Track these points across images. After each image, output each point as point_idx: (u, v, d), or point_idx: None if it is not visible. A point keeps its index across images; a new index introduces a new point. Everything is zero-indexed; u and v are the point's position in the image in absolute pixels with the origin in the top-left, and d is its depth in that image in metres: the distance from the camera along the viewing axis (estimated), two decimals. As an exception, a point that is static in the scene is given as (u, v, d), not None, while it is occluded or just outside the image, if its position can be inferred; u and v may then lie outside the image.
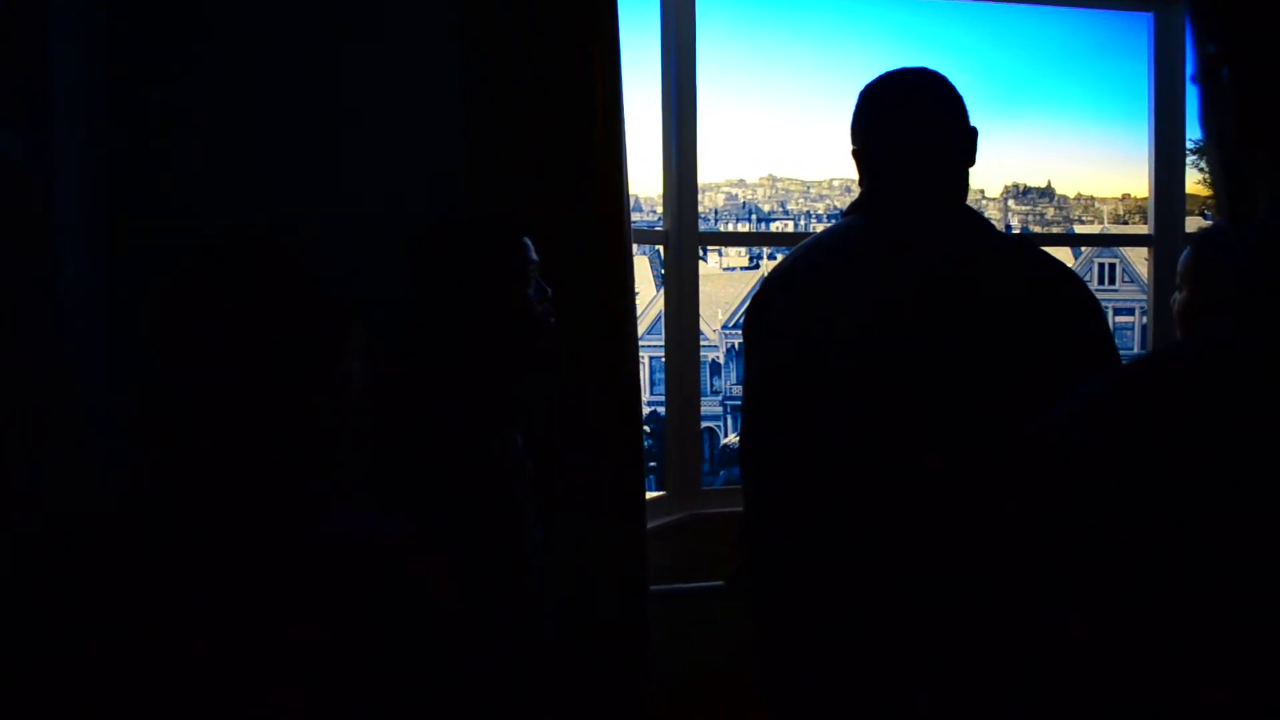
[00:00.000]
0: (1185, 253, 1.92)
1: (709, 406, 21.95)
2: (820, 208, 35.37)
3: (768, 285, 1.74)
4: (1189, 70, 0.67)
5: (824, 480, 1.57)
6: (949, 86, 1.68)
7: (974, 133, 1.67)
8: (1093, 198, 39.37)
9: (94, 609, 0.95)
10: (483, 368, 1.71)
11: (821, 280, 1.65)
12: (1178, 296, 1.88)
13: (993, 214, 37.52)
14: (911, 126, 1.66)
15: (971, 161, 1.68)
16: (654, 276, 18.56)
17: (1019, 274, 1.52)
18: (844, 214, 1.72)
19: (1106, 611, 0.50)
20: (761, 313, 1.73)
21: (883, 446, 1.51)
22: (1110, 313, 31.49)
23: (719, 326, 24.49)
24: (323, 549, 0.96)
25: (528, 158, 2.17)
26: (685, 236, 2.73)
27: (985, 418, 1.43)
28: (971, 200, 1.69)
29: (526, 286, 1.74)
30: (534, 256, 1.76)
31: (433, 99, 2.21)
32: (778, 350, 1.69)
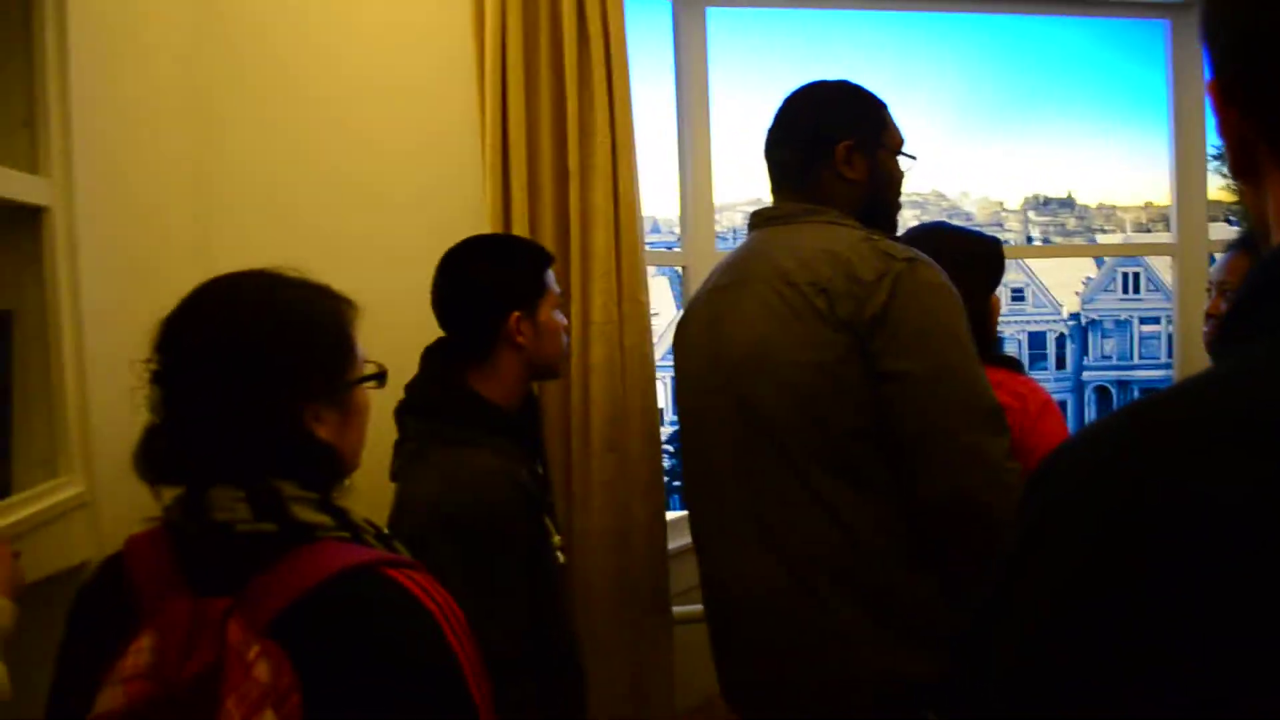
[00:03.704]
0: (1226, 256, 1.85)
1: (732, 426, 21.76)
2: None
3: (689, 302, 1.88)
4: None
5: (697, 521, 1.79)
6: (813, 95, 1.75)
7: (829, 138, 1.69)
8: (1114, 207, 39.06)
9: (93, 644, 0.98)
10: (511, 388, 1.71)
11: (695, 305, 1.81)
12: (1225, 307, 1.80)
13: (1013, 226, 37.28)
14: (768, 141, 1.78)
15: (823, 165, 1.69)
16: (674, 297, 18.56)
17: (848, 272, 1.52)
18: None
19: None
20: (677, 333, 1.87)
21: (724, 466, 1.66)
22: (1135, 322, 31.22)
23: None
24: (319, 591, 0.95)
25: (542, 184, 2.19)
26: (702, 258, 2.73)
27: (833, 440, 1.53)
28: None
29: (556, 308, 1.76)
30: (558, 289, 1.78)
31: (456, 139, 2.26)
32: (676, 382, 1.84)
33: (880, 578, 1.53)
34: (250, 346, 1.03)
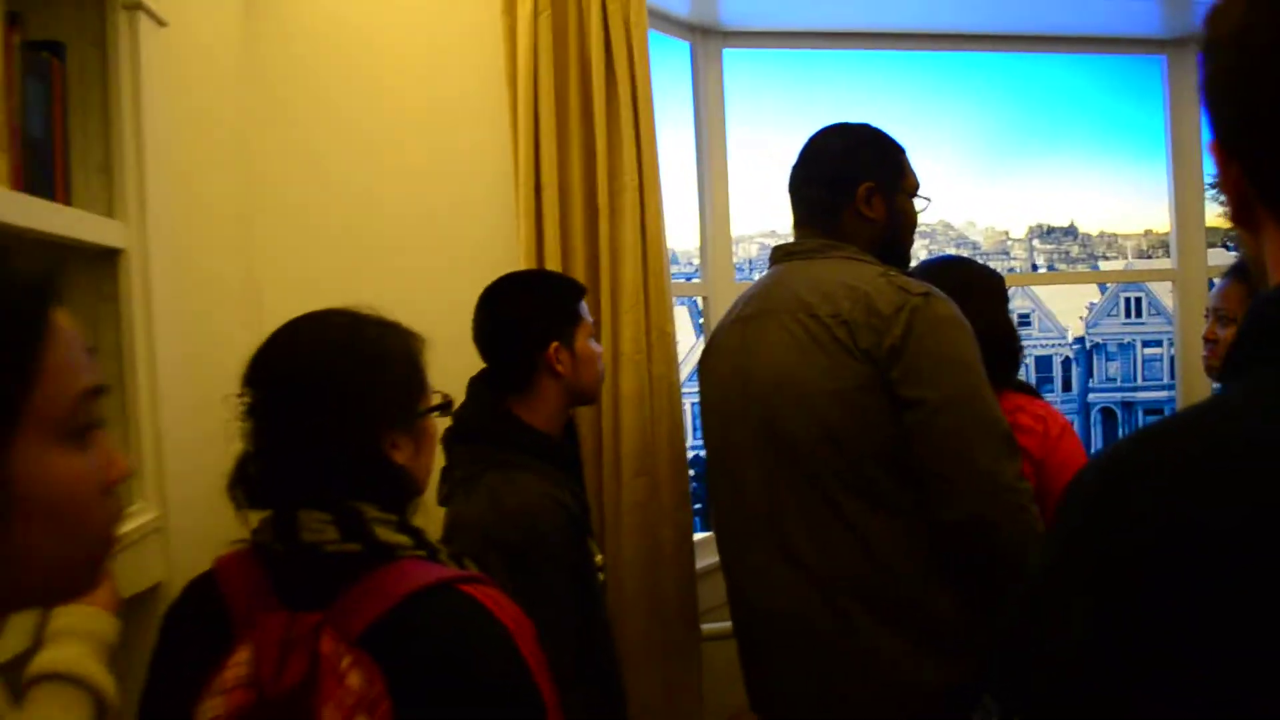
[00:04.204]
0: (1222, 284, 1.91)
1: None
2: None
3: (714, 332, 1.96)
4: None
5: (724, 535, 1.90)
6: (839, 137, 1.86)
7: (851, 179, 1.79)
8: (1115, 234, 39.13)
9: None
10: (553, 415, 1.79)
11: (719, 335, 1.91)
12: (1222, 333, 1.90)
13: (1018, 254, 37.34)
14: (793, 179, 1.88)
15: (845, 204, 1.80)
16: (694, 325, 18.71)
17: (868, 305, 1.62)
18: None
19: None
20: (702, 362, 1.96)
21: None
22: (1138, 345, 31.18)
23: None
24: (402, 607, 1.02)
25: (573, 222, 2.29)
26: (722, 289, 2.83)
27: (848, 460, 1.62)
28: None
29: (590, 336, 1.85)
30: (591, 319, 1.87)
31: (493, 178, 2.35)
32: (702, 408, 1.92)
33: (902, 593, 1.61)
34: (336, 380, 1.12)
